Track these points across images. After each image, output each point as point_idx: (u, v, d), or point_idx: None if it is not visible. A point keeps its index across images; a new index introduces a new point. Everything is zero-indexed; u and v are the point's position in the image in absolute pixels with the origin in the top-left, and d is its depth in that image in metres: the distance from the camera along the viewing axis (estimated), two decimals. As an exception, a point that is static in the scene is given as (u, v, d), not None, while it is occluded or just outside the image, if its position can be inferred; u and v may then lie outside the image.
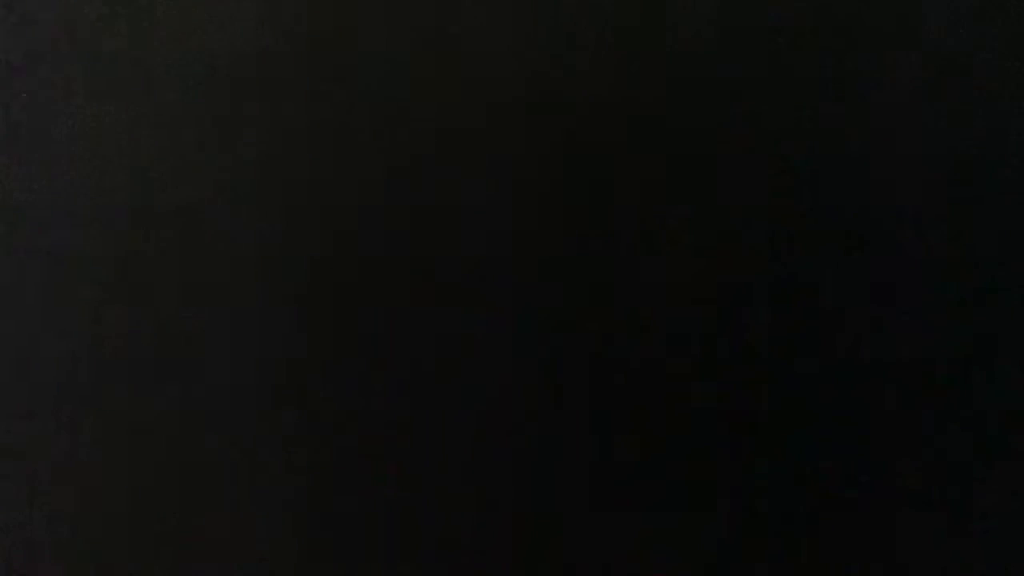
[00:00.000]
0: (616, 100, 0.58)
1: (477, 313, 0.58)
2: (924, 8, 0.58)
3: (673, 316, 0.57)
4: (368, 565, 0.58)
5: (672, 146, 0.58)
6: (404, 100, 0.58)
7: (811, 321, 0.57)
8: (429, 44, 0.58)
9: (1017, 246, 0.57)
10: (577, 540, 0.57)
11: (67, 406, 0.58)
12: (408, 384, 0.58)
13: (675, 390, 0.57)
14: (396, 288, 0.58)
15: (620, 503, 0.57)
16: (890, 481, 0.57)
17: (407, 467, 0.58)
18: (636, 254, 0.58)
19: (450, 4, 0.59)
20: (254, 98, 0.59)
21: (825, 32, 0.58)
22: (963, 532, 0.57)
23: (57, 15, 0.59)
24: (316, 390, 0.58)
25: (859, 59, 0.58)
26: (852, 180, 0.58)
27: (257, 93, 0.59)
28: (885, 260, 0.57)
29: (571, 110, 0.58)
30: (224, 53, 0.59)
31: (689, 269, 0.57)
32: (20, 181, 0.59)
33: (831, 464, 0.57)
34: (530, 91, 0.58)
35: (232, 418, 0.58)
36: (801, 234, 0.57)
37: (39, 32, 0.59)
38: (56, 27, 0.59)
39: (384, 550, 0.58)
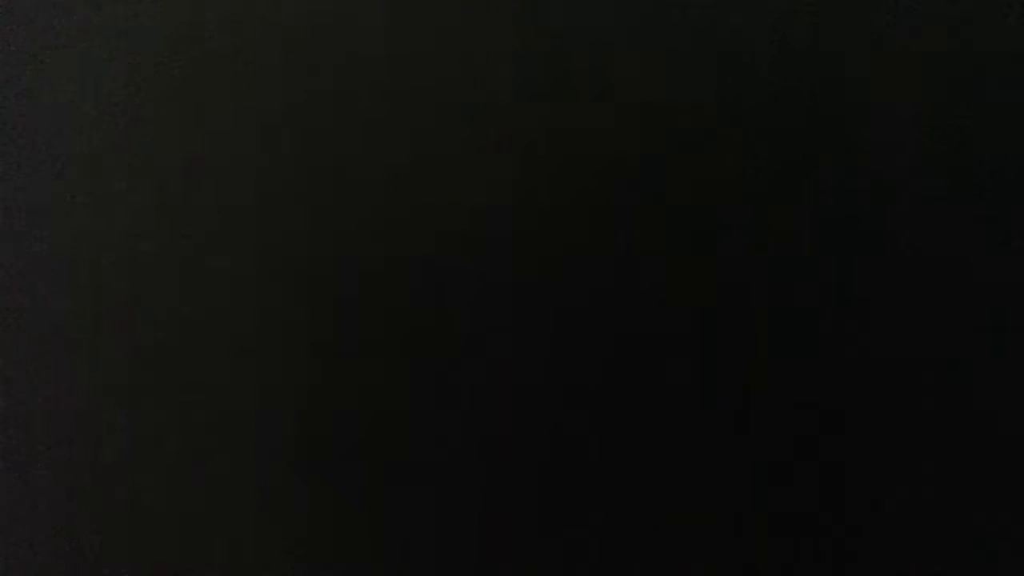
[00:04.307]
0: (615, 99, 0.58)
1: (477, 313, 0.58)
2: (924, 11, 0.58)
3: (673, 316, 0.57)
4: (368, 565, 0.58)
5: (672, 145, 0.58)
6: (403, 101, 0.58)
7: (812, 322, 0.57)
8: (429, 46, 0.59)
9: (1017, 246, 0.57)
10: (577, 540, 0.57)
11: (67, 406, 0.58)
12: (407, 384, 0.58)
13: (675, 391, 0.57)
14: (395, 288, 0.58)
15: (620, 505, 0.57)
16: (892, 483, 0.57)
17: (406, 467, 0.58)
18: (636, 255, 0.58)
19: (451, 8, 0.59)
20: (254, 99, 0.59)
21: (825, 34, 0.58)
22: (963, 532, 0.57)
23: (57, 15, 0.59)
24: (316, 391, 0.58)
25: (860, 61, 0.58)
26: (852, 178, 0.58)
27: (256, 94, 0.59)
28: (885, 261, 0.57)
29: (570, 112, 0.58)
30: (225, 54, 0.59)
31: (689, 270, 0.58)
32: (20, 182, 0.59)
33: (832, 465, 0.57)
34: (529, 92, 0.58)
35: (232, 418, 0.58)
36: (802, 233, 0.57)
37: (39, 34, 0.59)
38: (56, 27, 0.59)
39: (384, 550, 0.58)
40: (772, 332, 0.57)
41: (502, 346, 0.58)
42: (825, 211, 0.57)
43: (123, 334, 0.58)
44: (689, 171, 0.58)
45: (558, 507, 0.57)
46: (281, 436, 0.58)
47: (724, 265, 0.57)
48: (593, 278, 0.58)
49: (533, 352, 0.58)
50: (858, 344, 0.57)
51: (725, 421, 0.57)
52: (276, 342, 0.58)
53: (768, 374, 0.57)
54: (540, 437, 0.58)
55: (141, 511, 0.58)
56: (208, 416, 0.58)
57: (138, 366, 0.58)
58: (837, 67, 0.58)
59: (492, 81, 0.58)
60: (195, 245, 0.58)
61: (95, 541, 0.58)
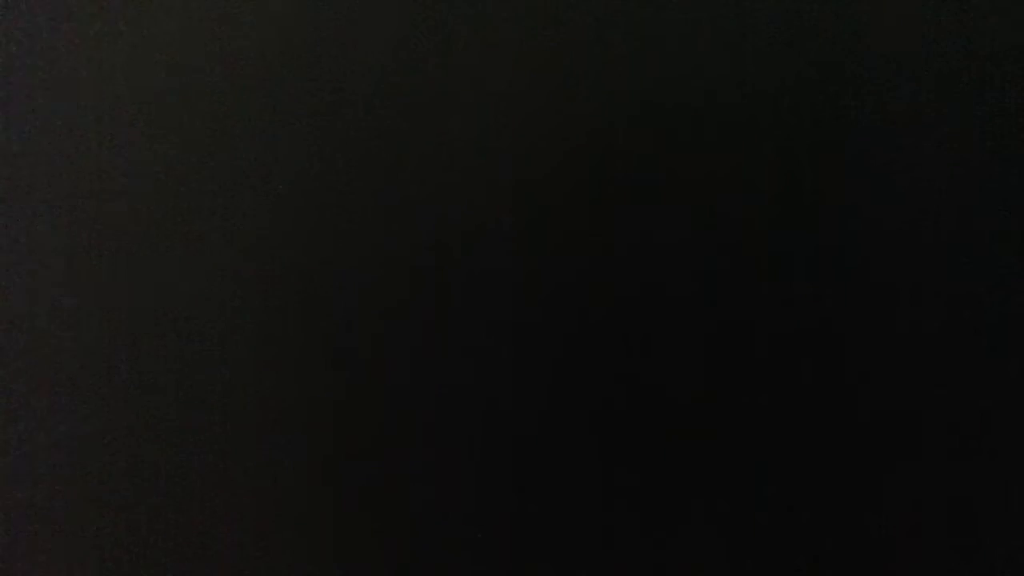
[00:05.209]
0: (615, 99, 0.58)
1: (477, 315, 0.58)
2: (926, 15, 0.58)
3: (673, 319, 0.57)
4: (368, 565, 0.58)
5: (672, 147, 0.58)
6: (403, 100, 0.58)
7: (811, 325, 0.57)
8: (429, 46, 0.59)
9: (1017, 247, 0.57)
10: (576, 543, 0.57)
11: (67, 406, 0.58)
12: (407, 385, 0.58)
13: (675, 394, 0.57)
14: (396, 289, 0.58)
15: (619, 507, 0.57)
16: (891, 485, 0.57)
17: (406, 468, 0.58)
18: (637, 256, 0.58)
19: (452, 9, 0.59)
20: (254, 98, 0.59)
21: (827, 34, 0.58)
22: (963, 533, 0.57)
23: (57, 15, 0.59)
24: (316, 391, 0.58)
25: (862, 62, 0.58)
26: (853, 180, 0.58)
27: (256, 93, 0.59)
28: (886, 263, 0.57)
29: (570, 115, 0.58)
30: (224, 53, 0.59)
31: (689, 272, 0.58)
32: (19, 181, 0.59)
33: (832, 467, 0.57)
34: (528, 93, 0.58)
35: (231, 418, 0.58)
36: (801, 234, 0.57)
37: (39, 32, 0.59)
38: (56, 27, 0.59)
39: (384, 551, 0.58)
40: (772, 331, 0.57)
41: (502, 346, 0.58)
42: (825, 211, 0.57)
43: (123, 334, 0.58)
44: (689, 171, 0.58)
45: (559, 507, 0.57)
46: (281, 437, 0.58)
47: (724, 265, 0.57)
48: (592, 278, 0.58)
49: (533, 352, 0.58)
50: (858, 344, 0.57)
51: (725, 421, 0.57)
52: (276, 343, 0.58)
53: (767, 374, 0.57)
54: (541, 437, 0.58)
55: (141, 512, 0.58)
56: (208, 416, 0.58)
57: (139, 366, 0.58)
58: (837, 67, 0.58)
59: (492, 80, 0.58)
60: (197, 245, 0.58)
61: (95, 542, 0.58)
